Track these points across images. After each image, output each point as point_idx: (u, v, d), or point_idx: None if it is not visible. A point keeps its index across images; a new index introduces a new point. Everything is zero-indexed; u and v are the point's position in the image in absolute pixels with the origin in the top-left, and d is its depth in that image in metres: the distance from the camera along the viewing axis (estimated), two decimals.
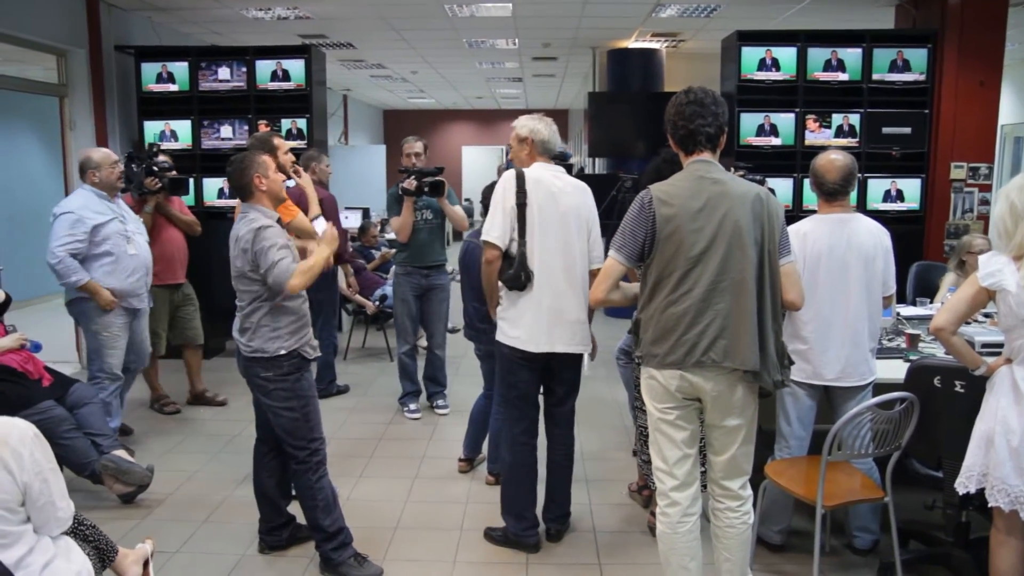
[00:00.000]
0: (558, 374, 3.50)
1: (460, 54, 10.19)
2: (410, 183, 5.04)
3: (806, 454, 3.42)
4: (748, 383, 2.65)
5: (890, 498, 3.05)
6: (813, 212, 3.45)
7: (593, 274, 3.34)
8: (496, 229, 3.37)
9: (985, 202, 6.37)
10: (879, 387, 3.39)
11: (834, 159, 3.33)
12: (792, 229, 3.31)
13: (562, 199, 3.35)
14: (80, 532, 2.55)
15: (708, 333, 2.56)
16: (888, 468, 3.07)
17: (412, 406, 5.55)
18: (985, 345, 3.83)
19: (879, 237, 3.35)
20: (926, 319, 4.51)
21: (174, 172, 5.34)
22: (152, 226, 5.15)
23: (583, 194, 3.41)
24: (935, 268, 5.75)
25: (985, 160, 6.33)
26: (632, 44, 9.05)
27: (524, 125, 3.49)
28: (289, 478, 3.49)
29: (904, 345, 4.10)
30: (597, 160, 9.99)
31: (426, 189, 5.05)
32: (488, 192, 3.74)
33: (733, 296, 2.55)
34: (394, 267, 5.51)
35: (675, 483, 2.75)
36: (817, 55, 6.17)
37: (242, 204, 3.35)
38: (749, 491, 2.78)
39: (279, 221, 3.28)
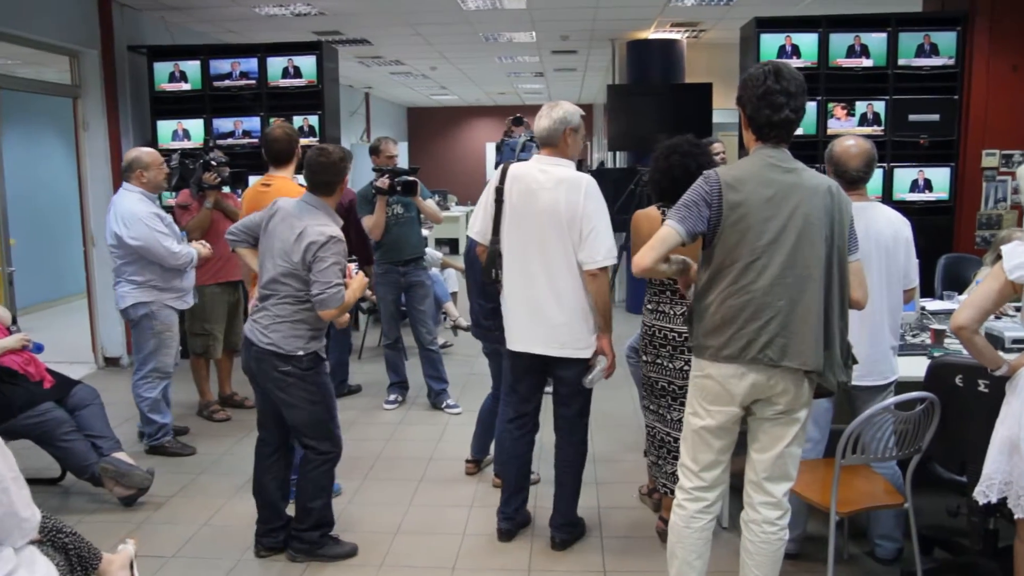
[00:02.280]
0: (557, 376, 3.38)
1: (478, 49, 10.07)
2: (383, 182, 5.04)
3: (822, 457, 3.25)
4: (811, 380, 2.49)
5: (910, 504, 2.88)
6: None
7: (589, 275, 3.17)
8: (476, 224, 3.40)
9: (1018, 191, 6.10)
10: (902, 386, 3.22)
11: (851, 145, 3.16)
12: None
13: (541, 196, 3.19)
14: (57, 540, 2.47)
15: (768, 329, 2.40)
16: (908, 472, 2.90)
17: (390, 397, 5.61)
18: (1016, 341, 3.63)
19: (899, 227, 3.17)
20: (952, 312, 4.31)
21: (229, 168, 5.28)
22: (210, 222, 5.11)
23: (568, 190, 3.16)
24: (965, 260, 5.52)
25: (1019, 147, 6.06)
26: (652, 35, 8.86)
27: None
28: (289, 477, 3.48)
29: (929, 341, 3.91)
30: (618, 154, 9.80)
31: (398, 188, 5.04)
32: None
33: (798, 292, 2.39)
34: (375, 267, 5.45)
35: (701, 484, 2.62)
36: (839, 41, 5.94)
37: (313, 197, 3.27)
38: (788, 504, 2.60)
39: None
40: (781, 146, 2.46)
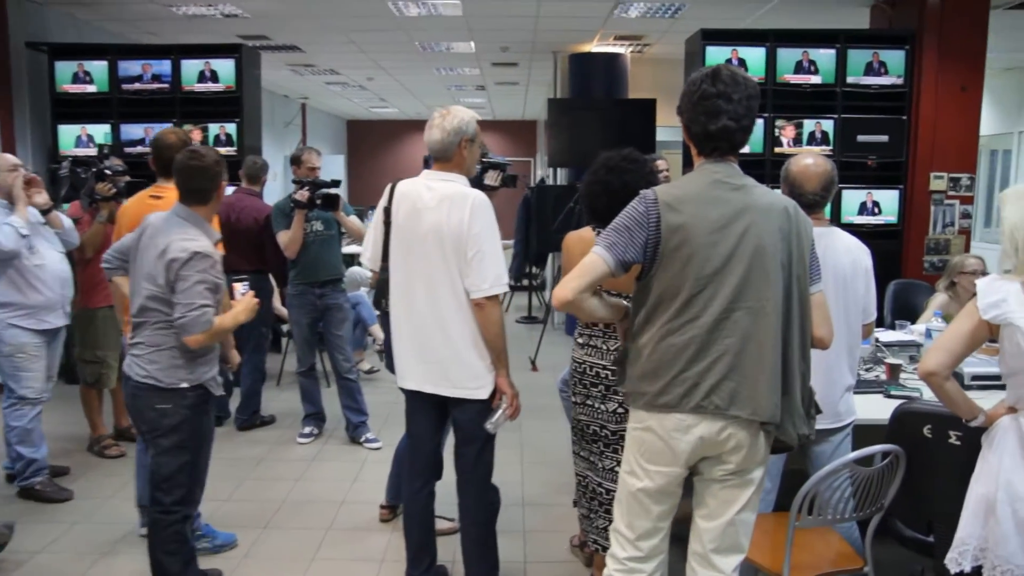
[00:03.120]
0: (453, 418, 2.99)
1: (415, 59, 9.68)
2: (302, 194, 4.63)
3: (772, 510, 2.90)
4: (768, 434, 2.13)
5: (871, 568, 2.53)
6: None
7: (475, 305, 2.77)
8: (367, 249, 3.03)
9: (967, 215, 5.93)
10: (857, 428, 2.90)
11: (810, 164, 2.84)
12: None
13: (426, 216, 2.80)
14: None
15: (714, 372, 2.04)
16: (868, 532, 2.56)
17: (305, 430, 5.16)
18: (977, 378, 3.35)
19: (858, 255, 2.85)
20: (908, 345, 4.03)
21: (128, 177, 4.74)
22: (105, 238, 4.53)
23: (453, 208, 2.76)
24: (914, 287, 5.30)
25: (967, 170, 5.90)
26: (595, 48, 8.58)
27: None
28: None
29: (884, 376, 3.61)
30: (559, 171, 9.48)
31: (318, 202, 4.65)
32: None
33: (750, 328, 2.04)
34: (288, 287, 5.00)
35: (636, 554, 2.22)
36: (787, 56, 5.71)
37: (184, 208, 2.86)
38: None
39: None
40: (727, 160, 2.11)
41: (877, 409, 3.11)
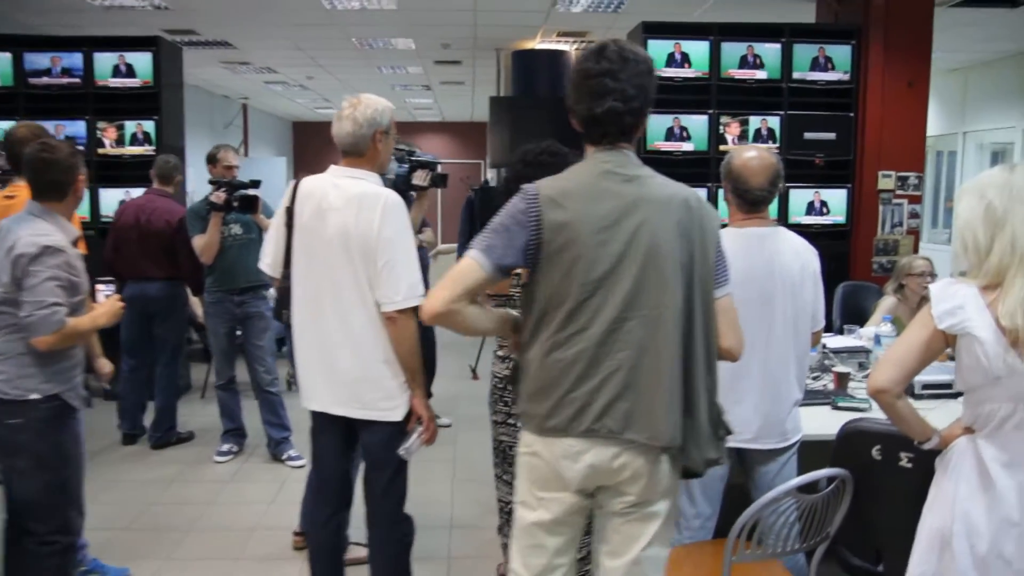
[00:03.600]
0: (362, 442, 2.69)
1: (354, 56, 9.32)
2: (218, 196, 4.28)
3: (712, 537, 2.64)
4: (673, 460, 1.86)
5: None
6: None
7: (387, 319, 2.48)
8: (267, 254, 2.71)
9: (915, 215, 5.78)
10: (804, 445, 2.67)
11: (753, 157, 2.60)
12: None
13: (331, 218, 2.50)
14: None
15: (606, 391, 1.79)
16: (813, 562, 2.32)
17: (223, 447, 4.81)
18: (926, 387, 3.14)
19: (807, 258, 2.62)
20: (856, 351, 3.82)
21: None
22: None
23: (362, 210, 2.46)
24: (863, 289, 5.12)
25: (915, 169, 5.75)
26: (538, 45, 8.33)
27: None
28: None
29: (832, 386, 3.38)
30: (503, 172, 9.20)
31: (235, 204, 4.32)
32: None
33: (646, 339, 1.79)
34: (205, 295, 4.66)
35: None
36: (732, 50, 5.49)
37: (36, 205, 2.59)
38: None
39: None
40: (620, 148, 1.86)
41: (824, 423, 2.87)
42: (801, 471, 2.64)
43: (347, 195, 2.50)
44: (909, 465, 2.11)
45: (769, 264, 2.53)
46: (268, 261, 2.73)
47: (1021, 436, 1.77)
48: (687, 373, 1.83)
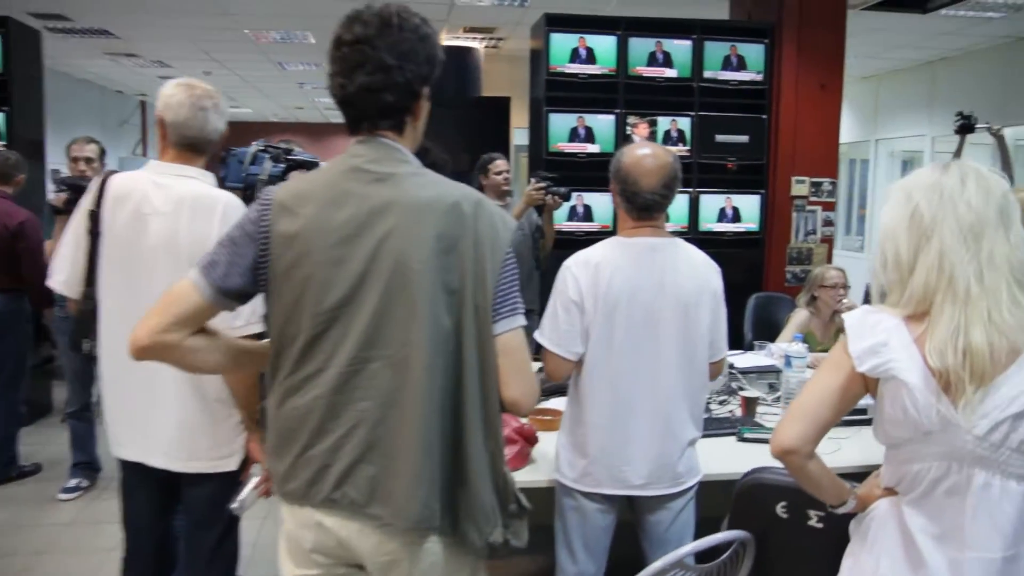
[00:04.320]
0: (185, 496, 2.22)
1: (251, 51, 8.74)
2: (58, 198, 3.73)
3: None
4: (448, 541, 1.45)
5: None
6: None
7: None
8: (61, 270, 2.23)
9: (829, 222, 5.56)
10: (705, 486, 2.32)
11: (646, 155, 2.22)
12: (578, 258, 2.19)
13: (153, 224, 2.06)
14: None
15: (346, 450, 1.40)
16: None
17: (71, 483, 4.24)
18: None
19: (706, 276, 2.25)
20: (766, 371, 3.51)
21: None
22: None
23: (194, 215, 2.06)
24: (776, 300, 4.84)
25: (828, 174, 5.53)
26: (445, 41, 7.91)
27: (161, 95, 2.19)
28: None
29: (739, 412, 3.05)
30: None
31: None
32: None
33: (391, 388, 1.39)
34: (56, 309, 4.11)
35: None
36: (640, 46, 5.16)
37: None
38: None
39: None
40: (379, 138, 1.46)
41: (728, 458, 2.53)
42: (702, 516, 2.29)
43: (175, 197, 2.07)
44: (820, 525, 1.76)
45: (659, 281, 2.16)
46: (62, 278, 2.23)
47: (955, 504, 1.41)
48: (457, 432, 1.43)
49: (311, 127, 17.20)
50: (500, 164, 4.45)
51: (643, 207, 2.19)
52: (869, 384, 1.46)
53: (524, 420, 2.51)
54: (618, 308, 2.14)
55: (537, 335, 2.24)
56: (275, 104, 14.42)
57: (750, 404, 3.01)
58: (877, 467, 2.23)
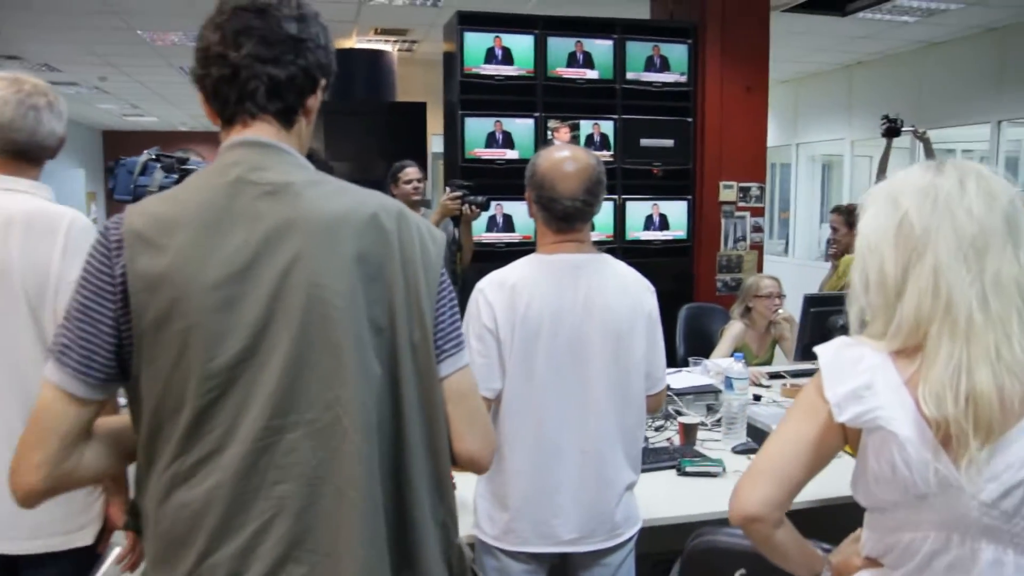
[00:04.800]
0: None
1: (148, 54, 8.17)
2: None
3: None
4: None
5: None
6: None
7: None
8: None
9: (759, 228, 5.39)
10: (646, 533, 2.02)
11: (565, 158, 1.93)
12: (492, 279, 1.89)
13: None
14: None
15: (263, 551, 1.04)
16: None
17: None
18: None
19: (639, 297, 1.95)
20: (704, 392, 3.26)
21: None
22: None
23: (28, 237, 1.70)
24: (708, 311, 4.62)
25: (756, 179, 5.36)
26: (356, 44, 7.52)
27: None
28: None
29: (678, 442, 2.78)
30: None
31: None
32: None
33: (317, 463, 1.06)
34: None
35: None
36: (559, 46, 4.89)
37: None
38: None
39: None
40: (263, 140, 1.15)
41: (671, 497, 2.27)
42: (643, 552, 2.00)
43: (3, 216, 1.69)
44: None
45: (586, 304, 1.86)
46: None
47: None
48: (401, 505, 1.12)
49: (216, 136, 16.45)
50: (410, 172, 4.12)
51: (563, 216, 1.89)
52: (849, 435, 1.17)
53: None
54: (539, 336, 1.84)
55: None
56: (182, 113, 13.71)
57: (689, 432, 2.74)
58: (835, 502, 2.00)
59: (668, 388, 3.13)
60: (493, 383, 1.85)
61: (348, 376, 1.06)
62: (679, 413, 3.00)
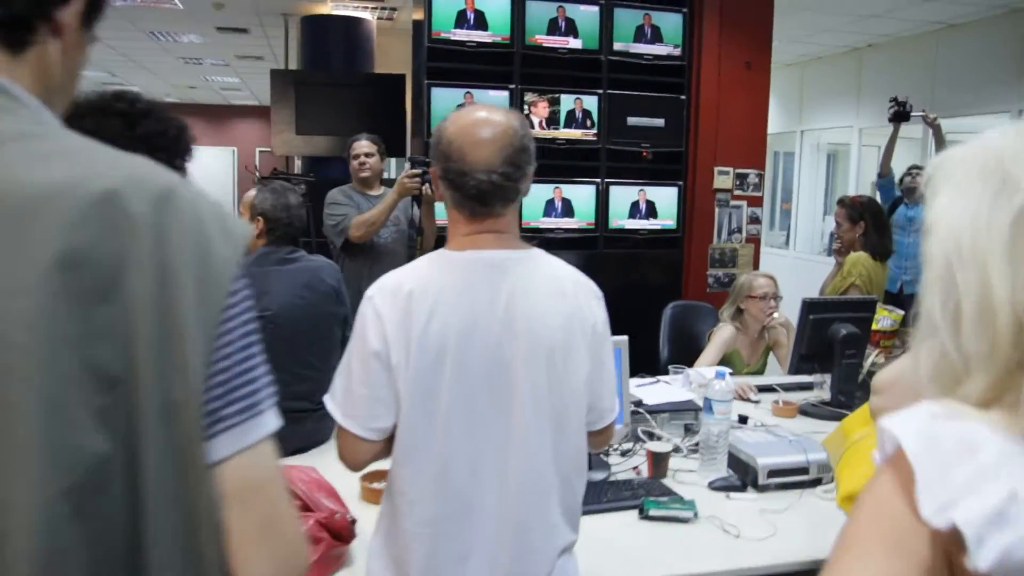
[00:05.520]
0: None
1: (117, 18, 7.68)
2: None
3: None
4: None
5: None
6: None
7: None
8: None
9: (755, 219, 4.93)
10: None
11: (479, 121, 1.46)
12: (384, 284, 1.44)
13: None
14: None
15: None
16: None
17: None
18: (773, 473, 2.16)
19: (580, 303, 1.50)
20: (682, 410, 2.80)
21: None
22: None
23: None
24: (696, 310, 4.16)
25: (755, 166, 4.88)
26: (332, 11, 7.03)
27: None
28: None
29: (645, 473, 2.34)
30: (298, 161, 7.86)
31: None
32: None
33: None
34: None
35: None
36: (539, 11, 4.39)
37: None
38: None
39: None
40: None
41: (624, 552, 1.83)
42: None
43: None
44: None
45: (507, 316, 1.40)
46: None
47: None
48: None
49: (208, 109, 15.99)
50: (358, 146, 3.68)
51: (477, 195, 1.43)
52: (947, 545, 0.69)
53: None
54: (443, 359, 1.38)
55: (327, 400, 1.47)
56: (164, 83, 13.24)
57: (659, 462, 2.30)
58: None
59: (642, 405, 2.71)
60: (379, 421, 1.40)
61: (23, 463, 0.62)
62: (651, 436, 2.56)
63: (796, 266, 8.79)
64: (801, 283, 7.91)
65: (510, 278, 1.42)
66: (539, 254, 1.51)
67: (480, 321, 1.40)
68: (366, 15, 7.09)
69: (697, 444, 2.44)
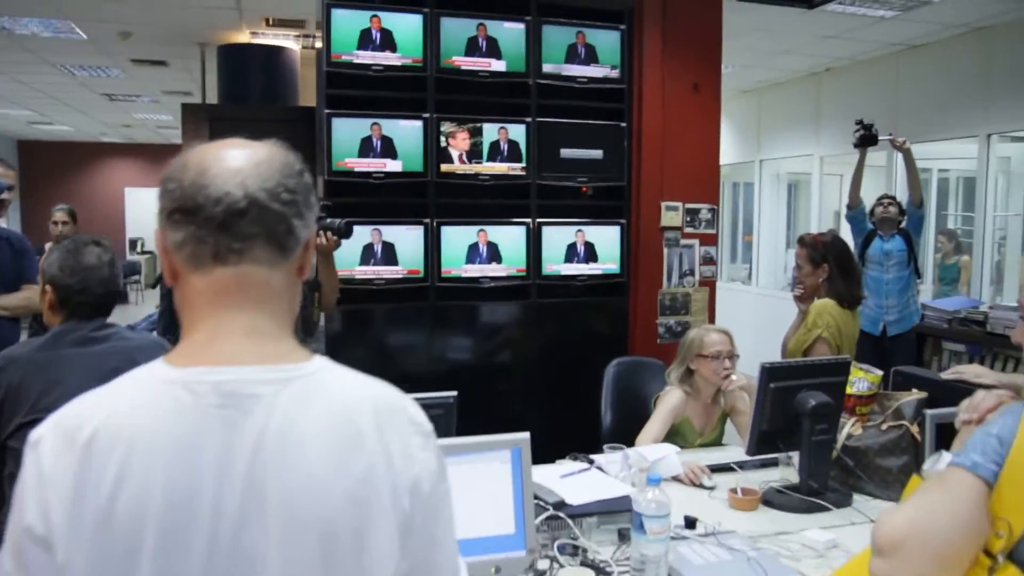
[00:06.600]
0: None
1: (13, 50, 7.07)
2: None
3: None
4: None
5: None
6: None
7: None
8: None
9: (710, 259, 4.40)
10: None
11: (230, 143, 0.95)
12: (59, 423, 0.84)
13: None
14: None
15: None
16: None
17: None
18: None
19: (383, 450, 0.90)
20: (614, 511, 2.22)
21: None
22: None
23: None
24: (644, 368, 3.59)
25: (707, 200, 4.38)
26: (252, 39, 6.48)
27: None
28: None
29: None
30: None
31: None
32: None
33: None
34: None
35: None
36: (456, 29, 3.86)
37: None
38: None
39: None
40: None
41: None
42: None
43: None
44: None
45: (250, 483, 0.83)
46: None
47: None
48: None
49: (146, 149, 15.33)
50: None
51: (221, 223, 0.89)
52: None
53: None
54: (137, 556, 0.80)
55: None
56: (97, 122, 12.58)
57: None
58: None
59: (564, 506, 2.14)
60: None
61: None
62: (576, 548, 1.98)
63: (759, 303, 8.32)
64: (763, 321, 7.43)
65: (259, 416, 0.84)
66: (319, 369, 0.92)
67: (203, 492, 0.81)
68: (288, 43, 6.54)
69: (627, 561, 1.86)
